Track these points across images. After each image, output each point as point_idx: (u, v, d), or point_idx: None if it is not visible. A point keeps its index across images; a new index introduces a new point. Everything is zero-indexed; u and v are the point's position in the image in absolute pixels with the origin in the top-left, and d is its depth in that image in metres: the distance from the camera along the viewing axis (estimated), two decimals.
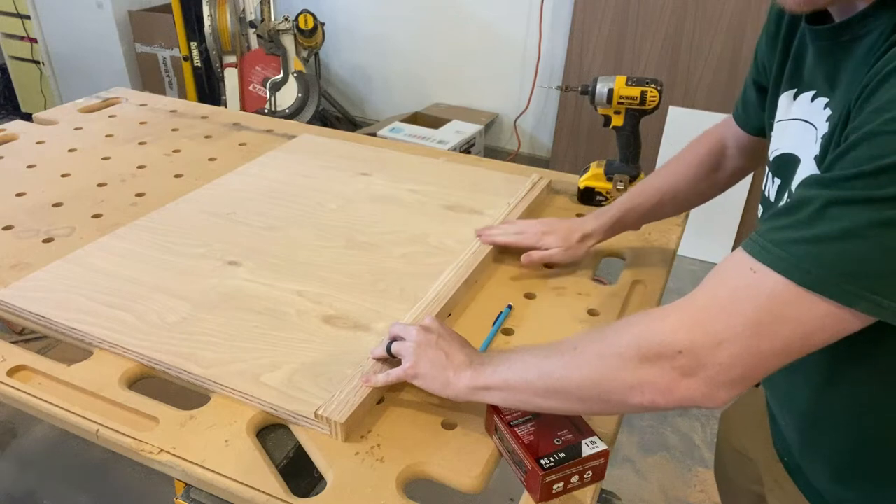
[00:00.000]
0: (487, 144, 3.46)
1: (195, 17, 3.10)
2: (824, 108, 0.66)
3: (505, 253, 1.10)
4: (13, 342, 0.92)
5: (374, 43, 3.62)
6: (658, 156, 2.85)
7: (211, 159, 1.44)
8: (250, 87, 3.17)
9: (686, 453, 1.95)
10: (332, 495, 0.70)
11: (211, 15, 3.03)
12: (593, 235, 1.04)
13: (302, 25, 3.04)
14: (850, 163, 0.52)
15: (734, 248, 0.92)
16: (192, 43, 3.17)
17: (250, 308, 0.96)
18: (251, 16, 3.09)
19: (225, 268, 1.05)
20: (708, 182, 1.00)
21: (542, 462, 0.68)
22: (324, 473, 0.74)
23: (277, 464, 0.75)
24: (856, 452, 0.71)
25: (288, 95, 3.12)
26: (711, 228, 2.72)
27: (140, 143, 1.51)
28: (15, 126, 1.59)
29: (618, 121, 1.23)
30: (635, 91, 1.19)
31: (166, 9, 3.21)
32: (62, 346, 0.94)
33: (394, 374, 0.78)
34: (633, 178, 1.26)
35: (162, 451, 0.75)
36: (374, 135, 2.88)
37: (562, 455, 0.69)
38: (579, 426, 0.73)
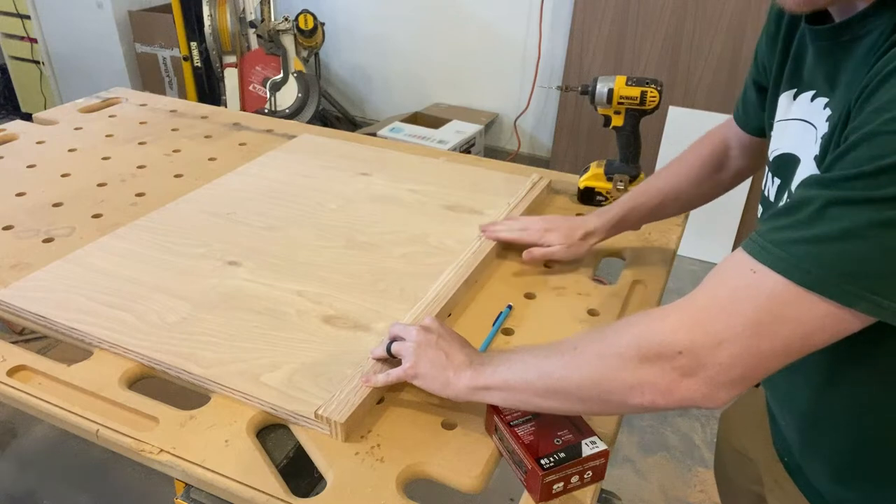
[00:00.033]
0: (487, 144, 3.46)
1: (195, 17, 3.10)
2: (824, 108, 0.66)
3: (508, 249, 1.11)
4: (13, 342, 0.92)
5: (374, 43, 3.62)
6: (658, 156, 2.85)
7: (211, 159, 1.44)
8: (250, 87, 3.17)
9: (686, 453, 1.95)
10: (332, 495, 0.70)
11: (211, 15, 3.03)
12: (596, 233, 1.04)
13: (302, 25, 3.04)
14: (850, 163, 0.52)
15: (734, 248, 0.92)
16: (192, 43, 3.17)
17: (250, 308, 0.96)
18: (251, 16, 3.09)
19: (225, 268, 1.05)
20: (711, 182, 1.00)
21: (542, 462, 0.68)
22: (324, 473, 0.74)
23: (277, 464, 0.75)
24: (856, 452, 0.71)
25: (288, 95, 3.12)
26: (711, 228, 2.72)
27: (140, 143, 1.51)
28: (15, 126, 1.59)
29: (618, 121, 1.23)
30: (635, 91, 1.19)
31: (166, 9, 3.21)
32: (62, 346, 0.94)
33: (394, 374, 0.78)
34: (633, 178, 1.26)
35: (162, 451, 0.75)
36: (374, 135, 2.88)
37: (562, 455, 0.69)
38: (579, 426, 0.73)
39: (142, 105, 1.74)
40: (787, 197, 0.72)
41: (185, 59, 3.21)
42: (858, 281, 0.52)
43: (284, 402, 0.79)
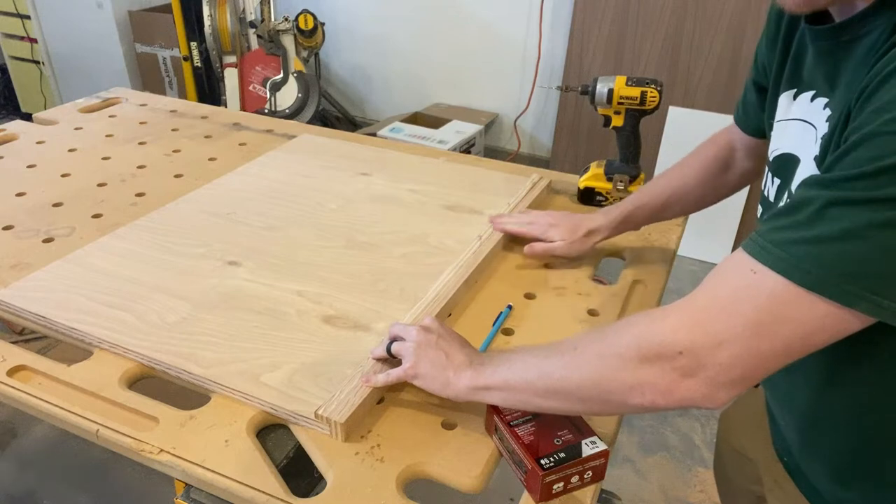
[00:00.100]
0: (487, 144, 3.46)
1: (195, 17, 3.10)
2: (824, 109, 0.66)
3: (514, 242, 1.12)
4: (13, 342, 0.92)
5: (374, 43, 3.62)
6: (658, 156, 2.86)
7: (211, 159, 1.44)
8: (250, 87, 3.17)
9: (686, 453, 1.95)
10: (332, 495, 0.70)
11: (211, 15, 3.03)
12: (600, 231, 1.04)
13: (302, 25, 3.04)
14: (850, 163, 0.52)
15: (734, 248, 0.92)
16: (192, 43, 3.17)
17: (250, 308, 0.96)
18: (251, 16, 3.09)
19: (225, 268, 1.05)
20: (716, 183, 1.00)
21: (542, 462, 0.68)
22: (324, 473, 0.74)
23: (277, 464, 0.75)
24: (856, 452, 0.71)
25: (288, 95, 3.12)
26: (711, 228, 2.72)
27: (140, 143, 1.51)
28: (15, 126, 1.59)
29: (618, 121, 1.23)
30: (635, 91, 1.19)
31: (166, 9, 3.21)
32: (62, 346, 0.94)
33: (394, 374, 0.78)
34: (633, 179, 1.26)
35: (162, 451, 0.75)
36: (374, 135, 2.88)
37: (562, 455, 0.69)
38: (579, 426, 0.73)
39: (142, 105, 1.74)
40: (787, 197, 0.72)
41: (185, 59, 3.21)
42: (858, 281, 0.52)
43: (284, 402, 0.79)
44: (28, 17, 3.49)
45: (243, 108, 3.16)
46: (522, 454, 0.69)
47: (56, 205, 1.25)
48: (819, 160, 0.64)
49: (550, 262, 1.09)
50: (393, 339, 0.82)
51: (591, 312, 0.98)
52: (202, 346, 0.88)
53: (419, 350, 0.77)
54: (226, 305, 0.96)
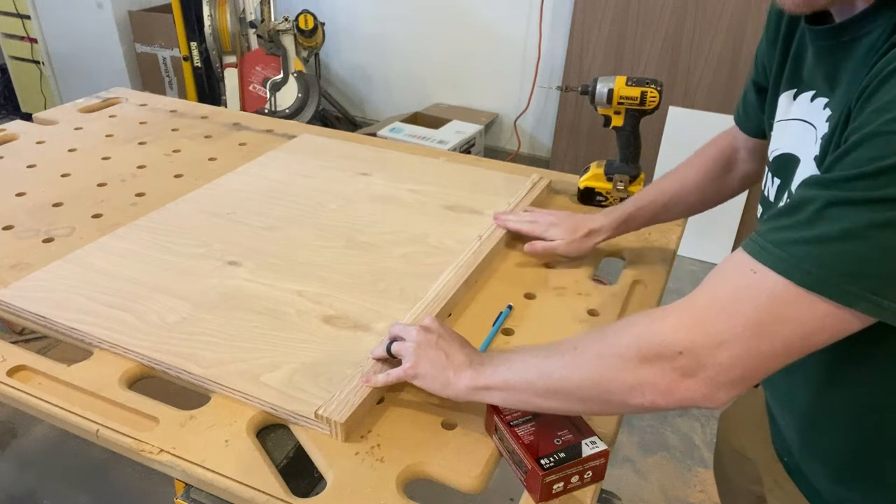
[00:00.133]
0: (487, 144, 3.46)
1: (195, 17, 3.10)
2: (824, 109, 0.66)
3: (517, 239, 1.12)
4: (13, 342, 0.92)
5: (374, 43, 3.62)
6: (658, 156, 2.86)
7: (211, 159, 1.44)
8: (250, 87, 3.17)
9: (686, 453, 1.95)
10: (332, 495, 0.70)
11: (211, 15, 3.03)
12: (601, 231, 1.04)
13: (302, 25, 3.04)
14: (850, 164, 0.52)
15: (734, 248, 0.92)
16: (192, 43, 3.17)
17: (250, 308, 0.96)
18: (251, 16, 3.09)
19: (225, 268, 1.05)
20: (718, 185, 1.00)
21: (542, 462, 0.68)
22: (324, 473, 0.74)
23: (277, 464, 0.75)
24: (856, 452, 0.71)
25: (288, 95, 3.12)
26: (711, 228, 2.72)
27: (140, 143, 1.51)
28: (15, 126, 1.59)
29: (618, 121, 1.23)
30: (635, 91, 1.19)
31: (166, 9, 3.21)
32: (62, 346, 0.94)
33: (394, 374, 0.78)
34: (633, 179, 1.26)
35: (162, 451, 0.75)
36: (374, 135, 2.88)
37: (562, 455, 0.69)
38: (579, 426, 0.73)
39: (142, 105, 1.74)
40: (787, 197, 0.72)
41: (185, 59, 3.21)
42: (858, 281, 0.52)
43: (284, 402, 0.79)
44: (28, 17, 3.49)
45: (243, 108, 3.16)
46: (522, 454, 0.69)
47: (56, 205, 1.25)
48: (819, 160, 0.64)
49: (550, 261, 1.09)
50: (393, 339, 0.82)
51: (591, 312, 0.98)
52: (202, 346, 0.88)
53: (419, 350, 0.77)
54: (226, 305, 0.96)
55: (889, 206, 0.50)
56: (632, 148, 1.25)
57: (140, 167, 1.40)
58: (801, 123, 0.70)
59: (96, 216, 1.21)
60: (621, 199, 1.26)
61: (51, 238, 1.14)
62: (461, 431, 0.78)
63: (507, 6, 3.22)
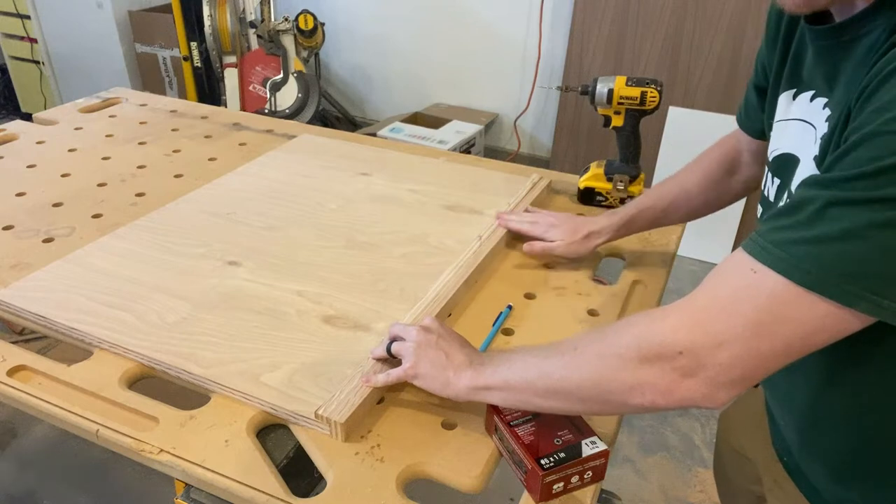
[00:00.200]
0: (487, 144, 3.46)
1: (195, 17, 3.10)
2: (823, 109, 0.66)
3: (517, 240, 1.12)
4: (13, 342, 0.92)
5: (374, 43, 3.62)
6: (658, 156, 2.86)
7: (211, 159, 1.44)
8: (250, 87, 3.17)
9: (686, 453, 1.95)
10: (332, 495, 0.70)
11: (211, 15, 3.03)
12: (601, 234, 1.04)
13: (302, 25, 3.04)
14: (850, 164, 0.52)
15: (734, 248, 0.92)
16: (192, 43, 3.17)
17: (250, 308, 0.96)
18: (251, 16, 3.09)
19: (225, 268, 1.05)
20: (720, 188, 1.00)
21: (542, 462, 0.68)
22: (324, 473, 0.74)
23: (277, 464, 0.75)
24: (856, 452, 0.71)
25: (288, 95, 3.12)
26: (711, 228, 2.72)
27: (140, 143, 1.51)
28: (15, 126, 1.59)
29: (618, 121, 1.23)
30: (635, 91, 1.19)
31: (166, 9, 3.21)
32: (62, 346, 0.94)
33: (394, 374, 0.78)
34: (633, 179, 1.26)
35: (162, 451, 0.75)
36: (374, 135, 2.88)
37: (562, 455, 0.69)
38: (579, 426, 0.73)
39: (142, 105, 1.74)
40: (787, 197, 0.72)
41: (185, 59, 3.21)
42: (858, 281, 0.52)
43: (284, 402, 0.79)
44: (28, 17, 3.49)
45: (243, 108, 3.16)
46: (522, 454, 0.69)
47: (56, 205, 1.25)
48: (818, 160, 0.64)
49: (551, 262, 1.09)
50: (393, 339, 0.82)
51: (591, 312, 0.98)
52: (202, 346, 0.88)
53: (419, 350, 0.77)
54: (226, 305, 0.96)
55: (889, 205, 0.50)
56: (632, 148, 1.25)
57: (140, 167, 1.40)
58: (801, 123, 0.70)
59: (96, 216, 1.21)
60: (621, 199, 1.26)
61: (51, 238, 1.14)
62: (461, 431, 0.78)
63: (507, 6, 3.22)
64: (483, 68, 3.41)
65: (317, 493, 0.71)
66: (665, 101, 2.75)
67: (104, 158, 1.43)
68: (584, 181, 1.28)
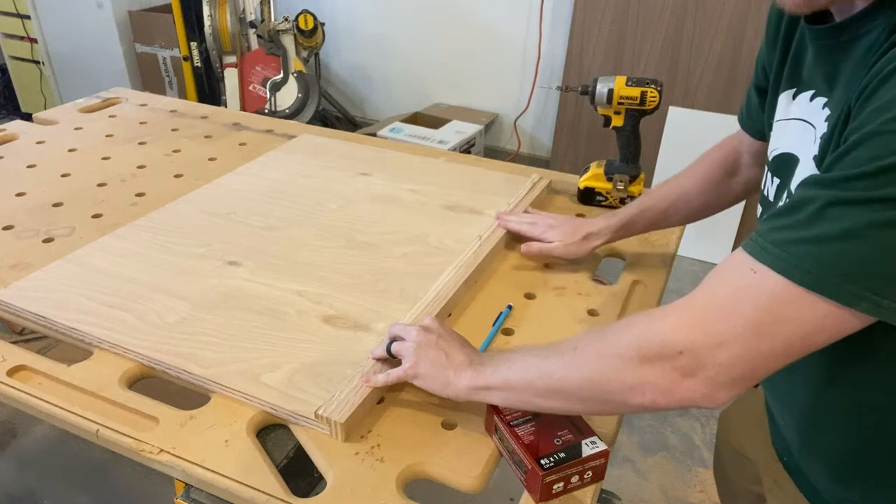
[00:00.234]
0: (487, 144, 3.46)
1: (195, 17, 3.10)
2: (823, 108, 0.66)
3: (516, 240, 1.12)
4: (13, 342, 0.92)
5: (374, 43, 3.62)
6: (658, 156, 2.86)
7: (211, 159, 1.44)
8: (250, 87, 3.17)
9: (686, 453, 1.95)
10: (332, 495, 0.70)
11: (211, 15, 3.03)
12: (600, 235, 1.04)
13: (302, 25, 3.04)
14: (850, 163, 0.52)
15: (734, 248, 0.92)
16: (192, 43, 3.17)
17: (250, 308, 0.96)
18: (251, 16, 3.09)
19: (225, 268, 1.05)
20: (720, 190, 0.99)
21: (542, 462, 0.68)
22: (324, 473, 0.74)
23: (277, 464, 0.75)
24: (856, 452, 0.71)
25: (288, 95, 3.12)
26: (711, 228, 2.71)
27: (140, 143, 1.51)
28: (15, 126, 1.59)
29: (618, 121, 1.23)
30: (635, 91, 1.19)
31: (166, 9, 3.21)
32: (62, 346, 0.94)
33: (394, 374, 0.78)
34: (633, 178, 1.26)
35: (162, 451, 0.75)
36: (374, 135, 2.88)
37: (562, 455, 0.69)
38: (579, 426, 0.73)
39: (142, 105, 1.74)
40: (787, 197, 0.72)
41: (185, 59, 3.21)
42: (858, 281, 0.52)
43: (284, 402, 0.79)
44: (28, 17, 3.49)
45: (243, 108, 3.16)
46: (522, 454, 0.69)
47: (56, 205, 1.25)
48: (818, 160, 0.64)
49: (551, 262, 1.09)
50: (393, 339, 0.82)
51: (591, 312, 0.98)
52: (202, 346, 0.88)
53: (419, 350, 0.77)
54: (226, 305, 0.96)
55: (889, 205, 0.50)
56: (632, 148, 1.25)
57: (140, 167, 1.40)
58: (801, 123, 0.70)
59: (96, 216, 1.21)
60: (621, 199, 1.26)
61: (51, 238, 1.14)
62: (461, 431, 0.78)
63: (507, 6, 3.22)
64: (483, 68, 3.41)
65: (317, 493, 0.71)
66: (665, 101, 2.75)
67: (104, 158, 1.43)
68: (584, 181, 1.28)
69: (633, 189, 1.26)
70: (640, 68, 2.90)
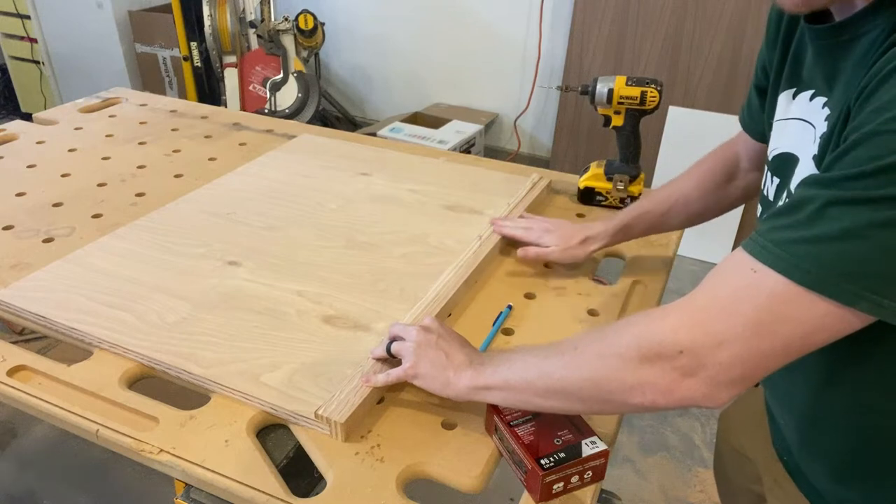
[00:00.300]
0: (487, 144, 3.46)
1: (195, 17, 3.10)
2: (823, 108, 0.66)
3: (512, 245, 1.11)
4: (13, 342, 0.92)
5: (374, 43, 3.62)
6: (658, 156, 2.86)
7: (211, 159, 1.44)
8: (250, 87, 3.17)
9: (686, 453, 1.95)
10: (332, 495, 0.70)
11: (211, 15, 3.03)
12: (597, 239, 1.04)
13: (302, 25, 3.04)
14: (849, 163, 0.52)
15: (734, 248, 0.92)
16: (192, 43, 3.18)
17: (250, 308, 0.96)
18: (251, 16, 3.09)
19: (225, 268, 1.05)
20: (719, 193, 0.99)
21: (542, 462, 0.68)
22: (324, 473, 0.74)
23: (277, 464, 0.75)
24: (856, 452, 0.71)
25: (288, 95, 3.12)
26: (711, 228, 2.69)
27: (140, 143, 1.51)
28: (15, 126, 1.59)
29: (618, 121, 1.23)
30: (635, 91, 1.19)
31: (166, 9, 3.21)
32: (62, 346, 0.94)
33: (394, 374, 0.78)
34: (633, 178, 1.26)
35: (162, 451, 0.75)
36: (374, 135, 2.88)
37: (562, 455, 0.69)
38: (579, 426, 0.73)
39: (142, 105, 1.74)
40: (786, 196, 0.72)
41: (185, 59, 3.21)
42: (858, 280, 0.52)
43: (284, 402, 0.79)
44: (28, 17, 3.49)
45: (243, 108, 3.16)
46: (522, 454, 0.69)
47: (56, 205, 1.25)
48: (818, 159, 0.64)
49: (550, 264, 1.09)
50: (393, 339, 0.82)
51: (591, 312, 0.98)
52: (202, 346, 0.88)
53: (419, 350, 0.77)
54: (226, 305, 0.96)
55: (889, 205, 0.50)
56: (632, 148, 1.25)
57: (140, 167, 1.40)
58: (800, 122, 0.70)
59: (96, 216, 1.21)
60: (621, 199, 1.26)
61: (51, 238, 1.14)
62: (461, 431, 0.78)
63: (507, 6, 3.22)
64: (483, 68, 3.41)
65: (317, 493, 0.71)
66: (665, 101, 2.75)
67: (104, 158, 1.43)
68: (584, 181, 1.28)
69: (633, 189, 1.26)
70: (640, 68, 2.90)
